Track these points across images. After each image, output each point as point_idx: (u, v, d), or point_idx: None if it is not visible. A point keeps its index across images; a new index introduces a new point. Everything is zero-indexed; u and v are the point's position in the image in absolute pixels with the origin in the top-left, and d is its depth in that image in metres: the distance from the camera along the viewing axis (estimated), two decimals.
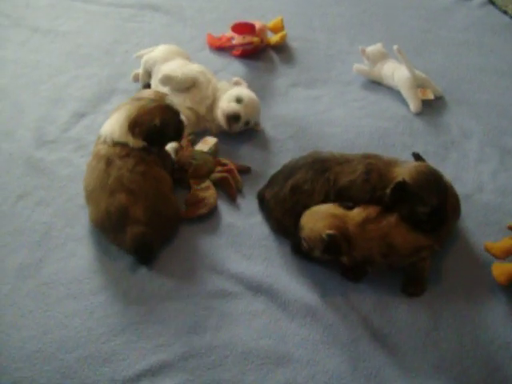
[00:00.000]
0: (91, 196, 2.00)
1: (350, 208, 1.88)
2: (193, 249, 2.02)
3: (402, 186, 1.83)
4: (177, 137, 2.17)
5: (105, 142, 2.02)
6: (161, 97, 2.13)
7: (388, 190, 1.85)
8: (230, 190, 2.19)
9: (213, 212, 2.12)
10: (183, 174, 2.21)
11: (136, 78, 2.67)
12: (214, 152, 2.33)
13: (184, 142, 2.32)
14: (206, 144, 2.32)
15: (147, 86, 2.24)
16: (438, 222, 1.87)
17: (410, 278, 1.91)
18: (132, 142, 2.01)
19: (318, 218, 1.85)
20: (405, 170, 1.88)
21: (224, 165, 2.26)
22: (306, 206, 1.92)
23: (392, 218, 1.85)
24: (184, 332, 1.80)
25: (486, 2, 3.38)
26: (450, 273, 1.97)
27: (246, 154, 2.37)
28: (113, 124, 2.04)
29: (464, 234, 2.09)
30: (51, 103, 2.62)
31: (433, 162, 2.29)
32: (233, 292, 1.90)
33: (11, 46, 2.98)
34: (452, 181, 2.20)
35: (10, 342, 1.76)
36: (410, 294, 1.89)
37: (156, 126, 2.02)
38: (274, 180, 2.08)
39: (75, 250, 2.01)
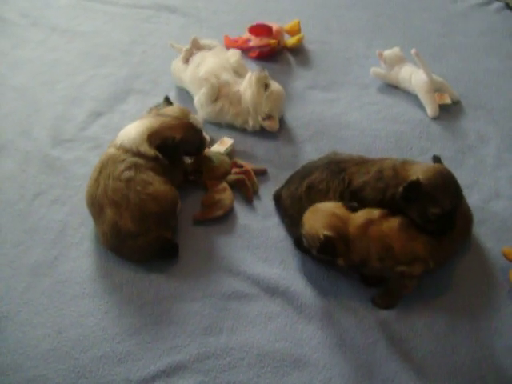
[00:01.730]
0: (90, 212, 2.00)
1: (355, 209, 1.84)
2: (209, 250, 2.01)
3: (415, 184, 1.78)
4: (198, 153, 2.18)
5: (113, 144, 2.02)
6: (185, 114, 2.16)
7: (401, 188, 1.81)
8: (246, 192, 2.18)
9: (229, 214, 2.11)
10: (199, 175, 2.20)
11: (178, 50, 2.70)
12: (231, 153, 2.32)
13: None
14: (223, 145, 2.31)
15: (167, 101, 2.27)
16: (446, 225, 1.82)
17: (386, 290, 1.87)
18: (145, 149, 1.99)
19: (319, 217, 1.82)
20: (421, 169, 1.84)
21: (240, 166, 2.25)
22: None
23: (395, 222, 1.82)
24: (199, 333, 1.79)
25: (504, 7, 3.34)
26: (467, 278, 1.95)
27: (262, 156, 2.36)
28: (130, 130, 2.04)
29: (481, 239, 2.07)
30: (68, 102, 2.63)
31: (449, 167, 2.24)
32: (249, 294, 1.89)
33: (29, 46, 2.99)
34: (469, 186, 2.20)
35: (24, 339, 1.77)
36: (374, 303, 1.87)
37: (174, 141, 2.01)
38: (291, 180, 2.08)
39: (90, 249, 2.01)
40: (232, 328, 1.81)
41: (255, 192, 2.20)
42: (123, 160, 1.95)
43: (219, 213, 2.08)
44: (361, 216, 1.82)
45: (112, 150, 2.00)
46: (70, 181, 2.25)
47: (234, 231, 2.08)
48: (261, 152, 2.38)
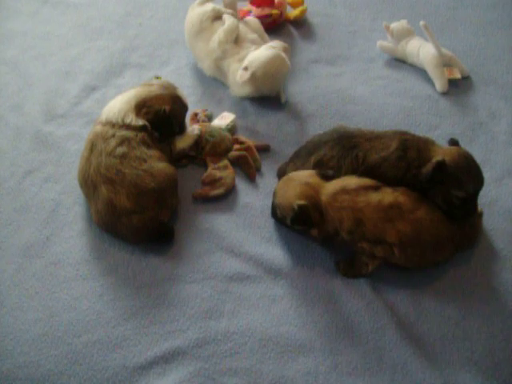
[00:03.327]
0: (83, 192, 1.95)
1: (329, 178, 1.80)
2: (209, 230, 1.94)
3: (441, 165, 1.73)
4: (180, 130, 2.11)
5: (99, 121, 1.97)
6: (172, 87, 2.10)
7: (425, 169, 1.75)
8: (248, 169, 2.10)
9: (230, 192, 2.04)
10: (200, 151, 2.12)
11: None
12: (232, 129, 2.24)
13: (201, 116, 2.25)
14: (224, 120, 2.23)
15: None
16: (469, 210, 1.79)
17: (350, 260, 1.81)
18: (131, 119, 1.93)
19: (292, 186, 1.79)
20: (445, 151, 1.80)
21: (242, 142, 2.17)
22: None
23: (375, 197, 1.74)
24: (199, 317, 1.72)
25: None
26: (479, 260, 1.87)
27: (265, 132, 2.28)
28: (115, 102, 2.00)
29: (494, 219, 1.99)
30: (61, 76, 2.54)
31: (460, 144, 2.18)
32: (251, 275, 1.82)
33: (20, 18, 2.90)
34: (480, 164, 2.09)
35: (15, 324, 1.70)
36: (336, 266, 1.83)
37: (165, 112, 1.98)
38: (296, 155, 1.99)
39: (84, 229, 1.94)
40: (234, 311, 1.74)
41: (258, 169, 2.13)
42: (112, 135, 1.89)
43: (220, 191, 2.01)
44: (334, 184, 1.78)
45: (99, 128, 1.94)
46: (63, 157, 2.17)
47: (235, 210, 2.00)
48: (263, 127, 2.30)
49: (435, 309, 1.74)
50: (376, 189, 1.77)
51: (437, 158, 1.75)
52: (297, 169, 1.93)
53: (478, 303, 1.76)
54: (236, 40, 2.40)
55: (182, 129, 2.11)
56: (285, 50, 2.35)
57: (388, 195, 1.75)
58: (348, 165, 1.85)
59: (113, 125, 1.92)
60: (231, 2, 2.57)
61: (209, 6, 2.48)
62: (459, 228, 1.80)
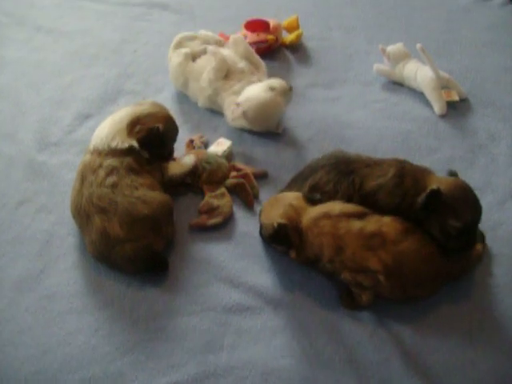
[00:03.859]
0: (76, 223, 1.91)
1: (316, 202, 1.79)
2: (207, 260, 1.89)
3: (436, 193, 1.69)
4: (168, 154, 2.08)
5: (88, 149, 1.95)
6: (165, 108, 2.08)
7: (420, 198, 1.71)
8: (246, 197, 2.06)
9: (228, 220, 2.00)
10: (196, 179, 2.08)
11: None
12: (229, 155, 2.20)
13: (197, 143, 2.22)
14: (220, 146, 2.19)
15: None
16: (467, 242, 1.74)
17: (351, 292, 1.76)
18: (118, 142, 1.90)
19: (276, 206, 1.80)
20: (441, 180, 1.76)
21: (239, 169, 2.14)
22: None
23: (357, 225, 1.70)
24: (198, 351, 1.67)
25: (506, 1, 3.24)
26: (484, 286, 1.83)
27: (262, 158, 2.25)
28: (104, 125, 1.99)
29: (498, 243, 1.95)
30: (55, 104, 2.51)
31: (460, 167, 2.19)
32: (251, 307, 1.77)
33: (14, 45, 2.87)
34: (482, 188, 2.11)
35: (6, 361, 1.65)
36: (342, 301, 1.77)
37: (158, 130, 1.94)
38: (293, 181, 1.96)
39: (79, 261, 1.89)
40: (233, 344, 1.68)
41: (255, 196, 2.09)
42: (100, 165, 1.86)
43: (218, 220, 1.97)
44: (317, 209, 1.76)
45: (87, 157, 1.92)
46: (56, 187, 2.13)
47: (233, 239, 1.96)
48: (260, 153, 2.27)
49: (440, 338, 1.69)
50: (361, 216, 1.73)
51: (432, 186, 1.71)
52: None
53: (485, 332, 1.71)
54: (226, 74, 2.37)
55: (170, 152, 2.08)
56: (284, 92, 2.29)
57: (372, 224, 1.71)
58: (344, 190, 1.81)
59: (99, 153, 1.89)
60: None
61: (181, 55, 2.44)
62: (454, 262, 1.75)
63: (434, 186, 1.70)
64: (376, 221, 1.72)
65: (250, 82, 2.35)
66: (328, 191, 1.82)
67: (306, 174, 1.91)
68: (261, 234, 1.89)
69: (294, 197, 1.82)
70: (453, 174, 1.83)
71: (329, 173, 1.85)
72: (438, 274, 1.73)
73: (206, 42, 2.52)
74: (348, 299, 1.76)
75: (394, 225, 1.72)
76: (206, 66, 2.38)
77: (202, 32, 2.57)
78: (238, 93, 2.30)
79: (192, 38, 2.53)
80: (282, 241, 1.76)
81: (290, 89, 2.32)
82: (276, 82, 2.31)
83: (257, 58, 2.50)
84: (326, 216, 1.72)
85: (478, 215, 1.74)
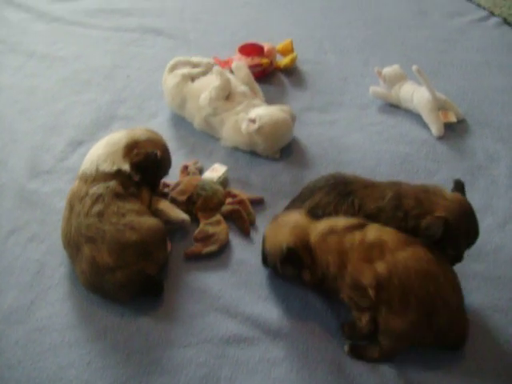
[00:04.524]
0: (67, 254, 1.87)
1: (319, 217, 1.73)
2: (202, 289, 1.85)
3: (441, 222, 1.63)
4: (156, 185, 2.06)
5: (77, 175, 1.93)
6: (161, 136, 2.07)
7: (427, 224, 1.66)
8: (242, 224, 2.02)
9: (224, 248, 1.96)
10: (191, 206, 2.04)
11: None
12: (224, 181, 2.17)
13: (191, 169, 2.18)
14: (215, 172, 2.16)
15: None
16: (456, 261, 1.73)
17: (354, 323, 1.69)
18: (111, 163, 1.88)
19: (281, 230, 1.72)
20: (447, 205, 1.69)
21: (235, 196, 2.10)
22: None
23: (358, 236, 1.63)
24: None
25: (502, 22, 3.26)
26: (489, 310, 1.79)
27: (258, 184, 2.21)
28: (98, 146, 1.96)
29: (499, 266, 1.92)
30: (47, 131, 2.47)
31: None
32: (248, 337, 1.71)
33: (6, 72, 2.85)
34: (482, 210, 2.08)
35: None
36: (343, 333, 1.71)
37: (156, 156, 1.92)
38: (291, 205, 1.92)
39: (70, 291, 1.84)
40: (231, 377, 1.62)
41: (252, 223, 2.05)
42: (86, 193, 1.83)
43: (213, 248, 1.92)
44: (323, 224, 1.70)
45: (75, 184, 1.90)
46: (48, 216, 2.08)
47: (229, 267, 1.91)
48: (256, 179, 2.23)
49: (443, 369, 1.64)
50: (361, 227, 1.67)
51: (438, 213, 1.66)
52: None
53: (489, 358, 1.67)
54: (227, 95, 2.36)
55: (157, 184, 2.06)
56: (293, 118, 2.34)
57: (372, 232, 1.64)
58: (345, 211, 1.77)
59: (86, 179, 1.87)
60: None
61: (178, 76, 2.44)
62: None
63: (442, 215, 1.64)
64: (377, 229, 1.66)
65: (252, 105, 2.34)
66: (329, 213, 1.78)
67: (304, 196, 1.88)
68: (265, 263, 1.82)
69: (296, 216, 1.75)
70: (459, 186, 1.78)
71: (328, 194, 1.81)
72: (432, 299, 1.58)
73: (198, 66, 2.52)
74: (351, 330, 1.70)
75: (396, 233, 1.66)
76: (205, 86, 2.37)
77: (195, 58, 2.56)
78: (241, 113, 2.30)
79: (186, 63, 2.51)
80: (295, 263, 1.67)
81: (295, 117, 2.36)
82: (284, 106, 2.36)
83: (256, 84, 2.50)
84: (333, 231, 1.66)
85: (475, 242, 1.73)
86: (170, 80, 2.45)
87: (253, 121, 2.23)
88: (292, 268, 1.69)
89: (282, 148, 2.34)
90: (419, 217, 1.68)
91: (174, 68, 2.49)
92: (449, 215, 1.65)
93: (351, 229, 1.66)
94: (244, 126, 2.25)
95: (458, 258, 1.73)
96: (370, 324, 1.65)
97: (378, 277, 1.57)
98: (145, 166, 1.91)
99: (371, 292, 1.58)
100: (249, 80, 2.48)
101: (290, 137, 2.35)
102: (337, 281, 1.64)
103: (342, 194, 1.80)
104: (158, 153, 1.93)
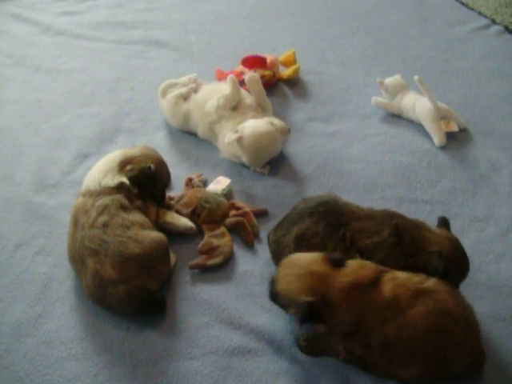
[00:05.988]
0: (73, 268, 1.89)
1: (339, 264, 1.57)
2: (207, 301, 1.85)
3: (439, 256, 1.65)
4: (161, 198, 2.08)
5: (80, 191, 1.96)
6: (158, 153, 2.12)
7: (423, 262, 1.66)
8: (246, 236, 2.03)
9: (228, 260, 1.97)
10: (195, 218, 2.06)
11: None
12: (228, 194, 2.18)
13: (195, 181, 2.20)
14: (219, 185, 2.17)
15: None
16: None
17: (315, 337, 1.66)
18: (108, 179, 1.92)
19: (296, 276, 1.55)
20: (438, 241, 1.70)
21: (239, 208, 2.11)
22: None
23: (376, 293, 1.53)
24: None
25: (503, 30, 3.26)
26: (491, 319, 1.79)
27: (262, 195, 2.23)
28: (98, 165, 2.01)
29: (502, 275, 1.92)
30: (52, 144, 2.50)
31: (462, 198, 2.20)
32: (253, 349, 1.72)
33: (12, 86, 2.88)
34: (484, 219, 2.10)
35: None
36: (297, 342, 1.69)
37: (150, 169, 1.95)
38: (279, 225, 1.87)
39: (77, 305, 1.85)
40: None
41: (256, 235, 2.06)
42: (92, 205, 1.85)
43: (218, 260, 1.93)
44: (347, 276, 1.54)
45: (80, 200, 1.92)
46: (54, 229, 2.10)
47: (234, 279, 1.92)
48: (260, 191, 2.25)
49: None
50: (380, 276, 1.56)
51: (435, 248, 1.66)
52: (277, 239, 1.82)
53: (492, 368, 1.66)
54: (234, 106, 2.38)
55: (162, 197, 2.08)
56: (282, 132, 2.31)
57: (388, 286, 1.54)
58: (334, 244, 1.71)
59: (91, 194, 1.90)
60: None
61: (173, 98, 2.48)
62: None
63: (438, 249, 1.65)
64: (392, 280, 1.55)
65: (252, 117, 2.35)
66: (316, 244, 1.72)
67: (293, 218, 1.81)
68: (274, 300, 1.64)
69: (313, 261, 1.57)
70: (444, 222, 1.78)
71: (317, 224, 1.74)
72: (439, 352, 1.53)
73: (185, 85, 2.55)
74: (311, 343, 1.67)
75: (408, 281, 1.56)
76: (209, 94, 2.41)
77: (181, 79, 2.60)
78: (238, 124, 2.30)
79: (173, 85, 2.56)
80: (313, 320, 1.54)
81: (289, 130, 2.34)
82: (277, 120, 2.34)
83: (267, 99, 2.49)
84: (357, 286, 1.52)
85: (466, 275, 1.74)
86: (166, 104, 2.50)
87: (236, 131, 2.24)
88: (310, 322, 1.59)
89: (271, 163, 2.34)
90: (415, 254, 1.67)
91: (164, 93, 2.54)
92: (442, 249, 1.66)
93: (374, 282, 1.54)
94: (227, 136, 2.26)
95: None
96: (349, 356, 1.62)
97: (387, 338, 1.52)
98: (140, 180, 1.94)
99: (376, 353, 1.55)
100: (260, 93, 2.47)
101: (274, 150, 2.31)
102: (345, 338, 1.57)
103: (333, 226, 1.73)
104: (152, 166, 1.96)
